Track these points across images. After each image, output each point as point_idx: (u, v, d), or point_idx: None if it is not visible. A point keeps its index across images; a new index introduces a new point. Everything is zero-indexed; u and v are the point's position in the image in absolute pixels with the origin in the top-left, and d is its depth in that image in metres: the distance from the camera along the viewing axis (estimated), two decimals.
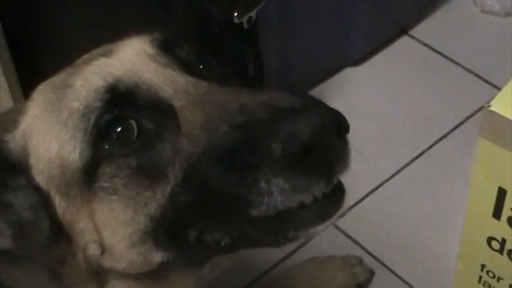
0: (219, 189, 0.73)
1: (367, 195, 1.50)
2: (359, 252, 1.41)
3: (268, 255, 1.40)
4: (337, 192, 0.75)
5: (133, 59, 0.80)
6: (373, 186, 1.53)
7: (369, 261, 1.40)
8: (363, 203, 1.48)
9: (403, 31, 1.84)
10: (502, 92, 1.08)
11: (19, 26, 1.53)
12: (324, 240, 1.39)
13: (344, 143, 0.73)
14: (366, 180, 1.52)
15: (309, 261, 1.37)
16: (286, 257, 1.40)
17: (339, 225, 1.42)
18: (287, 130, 0.69)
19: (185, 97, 0.77)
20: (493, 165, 1.10)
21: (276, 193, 0.71)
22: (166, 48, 0.83)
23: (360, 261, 1.38)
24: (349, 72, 1.76)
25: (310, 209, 0.74)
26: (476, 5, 1.88)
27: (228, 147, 0.72)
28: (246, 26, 1.29)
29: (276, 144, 0.69)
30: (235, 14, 1.27)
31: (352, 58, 1.74)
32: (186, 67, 0.82)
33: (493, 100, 1.07)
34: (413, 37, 1.84)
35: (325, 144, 0.70)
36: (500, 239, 1.18)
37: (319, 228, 0.75)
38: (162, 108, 0.77)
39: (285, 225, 0.75)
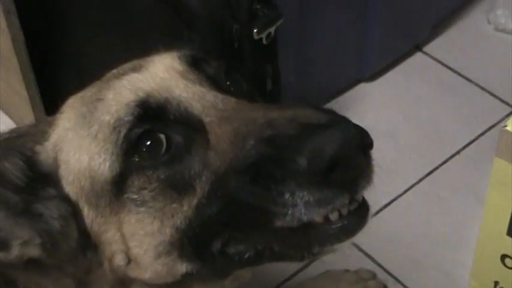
0: (244, 201, 0.75)
1: (380, 209, 1.51)
2: (372, 267, 1.42)
3: (281, 268, 1.41)
4: (362, 209, 0.77)
5: (163, 74, 0.82)
6: (386, 201, 1.53)
7: (382, 276, 1.41)
8: (376, 217, 1.47)
9: (417, 48, 1.85)
10: None
11: (41, 40, 1.55)
12: (337, 254, 1.40)
13: (368, 158, 0.75)
14: (379, 195, 1.51)
15: (323, 275, 1.38)
16: (300, 270, 1.41)
17: (353, 240, 1.43)
18: (313, 145, 0.70)
19: (214, 113, 0.78)
20: (509, 184, 1.11)
21: (301, 205, 0.72)
22: (195, 64, 0.84)
23: (373, 276, 1.39)
24: (363, 88, 1.77)
25: (336, 225, 0.76)
26: (489, 23, 1.89)
27: (255, 160, 0.74)
28: (265, 41, 1.31)
29: (302, 158, 0.71)
30: (255, 30, 1.29)
31: (367, 74, 1.76)
32: (214, 83, 0.84)
33: (509, 120, 1.08)
34: (427, 54, 1.85)
35: (349, 160, 0.72)
36: None
37: (345, 244, 0.77)
38: (192, 123, 0.79)
39: (311, 241, 0.76)
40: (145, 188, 0.78)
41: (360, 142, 0.73)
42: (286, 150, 0.72)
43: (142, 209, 0.78)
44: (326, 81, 1.68)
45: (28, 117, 1.57)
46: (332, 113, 0.75)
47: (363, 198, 0.78)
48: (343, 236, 0.77)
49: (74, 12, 1.50)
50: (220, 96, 0.80)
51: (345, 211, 0.76)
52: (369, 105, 1.73)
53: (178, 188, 0.78)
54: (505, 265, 1.20)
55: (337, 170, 0.71)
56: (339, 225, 0.76)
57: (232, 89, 0.85)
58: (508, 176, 1.11)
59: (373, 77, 1.78)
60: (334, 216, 0.75)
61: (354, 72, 1.74)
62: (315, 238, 0.76)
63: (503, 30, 1.87)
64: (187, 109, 0.79)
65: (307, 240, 0.76)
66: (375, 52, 1.72)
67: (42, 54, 1.56)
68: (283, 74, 1.41)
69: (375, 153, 0.77)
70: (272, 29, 1.31)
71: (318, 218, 0.75)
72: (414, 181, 1.58)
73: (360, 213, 0.77)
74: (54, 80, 1.60)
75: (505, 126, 1.08)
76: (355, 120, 0.75)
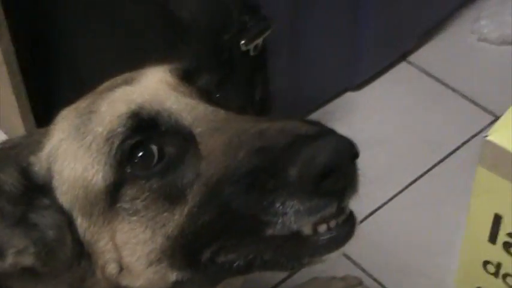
0: (236, 210, 0.76)
1: (366, 217, 1.53)
2: (358, 273, 1.44)
3: (269, 275, 1.42)
4: (349, 221, 0.80)
5: (155, 87, 0.84)
6: (372, 209, 1.55)
7: (368, 282, 1.43)
8: (362, 224, 1.48)
9: (402, 57, 1.87)
10: (499, 122, 1.13)
11: (33, 52, 1.56)
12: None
13: (354, 168, 0.78)
14: (365, 202, 1.54)
15: (310, 282, 1.39)
16: (288, 277, 1.42)
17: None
18: (304, 155, 0.73)
19: (205, 124, 0.80)
20: (490, 192, 1.14)
21: (290, 214, 0.75)
22: (186, 77, 0.87)
23: (360, 283, 1.41)
24: (349, 97, 1.79)
25: (324, 237, 0.78)
26: (473, 33, 1.92)
27: (246, 170, 0.75)
28: (252, 53, 1.33)
29: (293, 168, 0.73)
30: (242, 42, 1.31)
31: (354, 83, 1.78)
32: (205, 95, 0.86)
33: (491, 130, 1.11)
34: (411, 63, 1.88)
35: (338, 169, 0.74)
36: (495, 263, 1.21)
37: (333, 255, 0.79)
38: (183, 134, 0.80)
39: (301, 251, 0.79)
40: (137, 198, 0.79)
41: (347, 152, 0.75)
42: (277, 160, 0.74)
43: (134, 218, 0.80)
44: (315, 90, 1.70)
45: (18, 128, 1.58)
46: (320, 125, 0.78)
47: (350, 211, 0.81)
48: (332, 246, 0.79)
49: (68, 21, 1.51)
50: (210, 108, 0.82)
51: (333, 224, 0.78)
52: (355, 114, 1.75)
53: (170, 197, 0.79)
54: (486, 271, 1.23)
55: (326, 180, 0.73)
56: (327, 236, 0.78)
57: (222, 101, 0.87)
58: (490, 185, 1.13)
59: (359, 86, 1.80)
60: (322, 229, 0.78)
61: (343, 81, 1.76)
62: (305, 249, 0.78)
63: (485, 40, 1.90)
64: (178, 120, 0.81)
65: (297, 251, 0.79)
66: (364, 62, 1.74)
67: (35, 61, 1.57)
68: (273, 83, 1.43)
69: (361, 161, 0.79)
70: (259, 41, 1.34)
71: (307, 228, 0.77)
72: (400, 189, 1.60)
73: (347, 225, 0.80)
74: (47, 88, 1.61)
75: (487, 136, 1.11)
76: (342, 128, 0.78)
